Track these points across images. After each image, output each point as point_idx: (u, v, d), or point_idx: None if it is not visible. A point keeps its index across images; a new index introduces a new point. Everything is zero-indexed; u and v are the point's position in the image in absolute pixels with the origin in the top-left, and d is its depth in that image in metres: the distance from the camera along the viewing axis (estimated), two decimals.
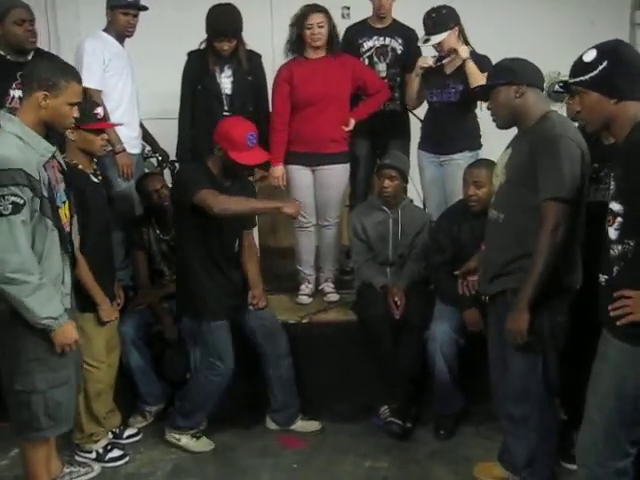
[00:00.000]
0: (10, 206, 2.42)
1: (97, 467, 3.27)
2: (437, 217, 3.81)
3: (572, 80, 2.24)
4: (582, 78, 2.20)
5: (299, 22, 3.89)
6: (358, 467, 3.31)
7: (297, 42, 3.92)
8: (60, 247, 2.62)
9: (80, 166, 3.09)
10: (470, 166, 3.49)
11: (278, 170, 3.99)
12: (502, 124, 2.82)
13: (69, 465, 3.20)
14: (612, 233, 2.22)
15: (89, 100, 3.27)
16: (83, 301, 3.08)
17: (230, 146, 3.19)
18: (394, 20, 4.19)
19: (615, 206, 2.20)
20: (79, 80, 2.64)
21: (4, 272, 2.46)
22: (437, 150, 4.02)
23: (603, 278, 2.26)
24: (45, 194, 2.52)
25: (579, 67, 2.22)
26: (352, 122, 4.01)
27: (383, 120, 4.19)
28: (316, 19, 3.84)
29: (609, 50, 2.19)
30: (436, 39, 3.77)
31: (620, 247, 2.20)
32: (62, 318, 2.58)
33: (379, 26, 4.17)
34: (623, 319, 2.15)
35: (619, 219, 2.19)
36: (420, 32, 3.97)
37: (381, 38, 4.15)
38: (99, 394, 3.28)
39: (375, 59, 4.16)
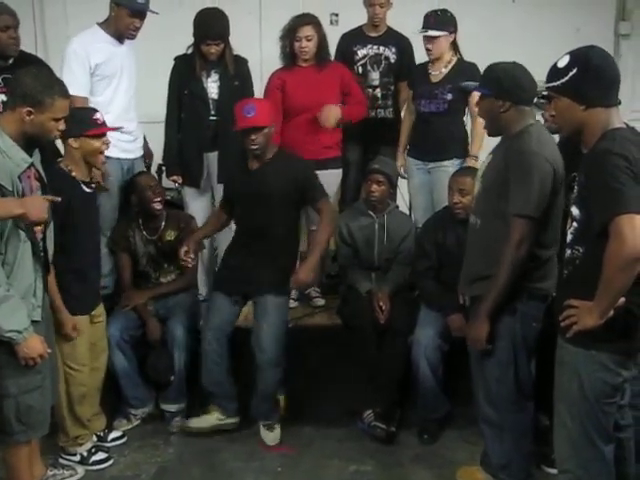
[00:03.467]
0: None
1: (81, 470, 3.26)
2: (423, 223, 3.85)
3: (546, 85, 2.29)
4: (554, 84, 2.26)
5: (288, 34, 3.91)
6: (343, 471, 3.33)
7: (290, 54, 3.95)
8: (33, 258, 2.61)
9: (74, 173, 3.08)
10: (455, 174, 3.52)
11: None
12: (487, 131, 2.88)
13: (53, 468, 3.19)
14: (568, 236, 2.29)
15: (86, 107, 3.27)
16: (68, 305, 3.07)
17: (235, 122, 3.37)
18: (389, 28, 4.23)
19: (574, 211, 2.26)
20: (65, 95, 2.62)
21: None
22: (425, 157, 4.06)
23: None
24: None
25: (553, 72, 2.27)
26: (338, 111, 3.91)
27: (375, 127, 4.23)
28: (304, 32, 3.87)
29: (580, 57, 2.23)
30: (433, 33, 3.83)
31: (570, 252, 2.27)
32: (27, 331, 2.56)
33: (373, 34, 4.21)
34: (570, 330, 2.22)
35: (574, 224, 2.26)
36: (414, 40, 4.03)
37: (375, 47, 4.19)
38: (83, 396, 3.27)
39: (368, 67, 4.20)
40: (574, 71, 2.20)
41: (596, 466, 2.33)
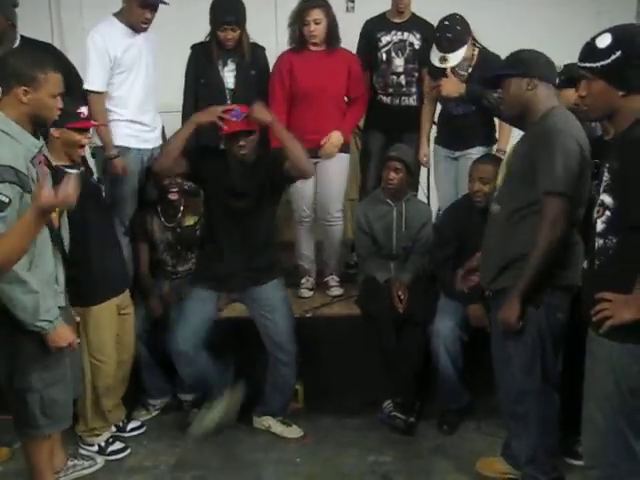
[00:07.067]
0: None
1: (100, 460, 3.27)
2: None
3: (581, 64, 2.13)
4: (592, 65, 2.09)
5: (297, 18, 3.87)
6: (362, 461, 3.32)
7: (299, 38, 3.90)
8: (52, 245, 2.60)
9: (54, 163, 3.00)
10: (476, 162, 3.47)
11: None
12: (510, 114, 2.82)
13: (73, 458, 3.21)
14: (599, 225, 2.17)
15: (73, 99, 3.21)
16: (90, 294, 3.09)
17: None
18: (413, 14, 4.16)
19: (606, 199, 2.14)
20: (56, 69, 2.58)
21: None
22: (453, 146, 4.01)
23: (586, 266, 2.25)
24: (34, 190, 2.47)
25: (590, 51, 2.10)
26: (338, 136, 3.94)
27: (398, 115, 4.18)
28: (313, 15, 3.82)
29: (625, 39, 2.05)
30: (456, 57, 3.71)
31: (602, 241, 2.15)
32: (57, 320, 2.57)
33: (397, 20, 4.14)
34: (604, 325, 2.12)
35: (607, 213, 2.14)
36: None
37: (399, 33, 4.12)
38: (108, 389, 3.28)
39: (393, 54, 4.13)
40: (617, 54, 2.03)
41: (626, 463, 2.23)
